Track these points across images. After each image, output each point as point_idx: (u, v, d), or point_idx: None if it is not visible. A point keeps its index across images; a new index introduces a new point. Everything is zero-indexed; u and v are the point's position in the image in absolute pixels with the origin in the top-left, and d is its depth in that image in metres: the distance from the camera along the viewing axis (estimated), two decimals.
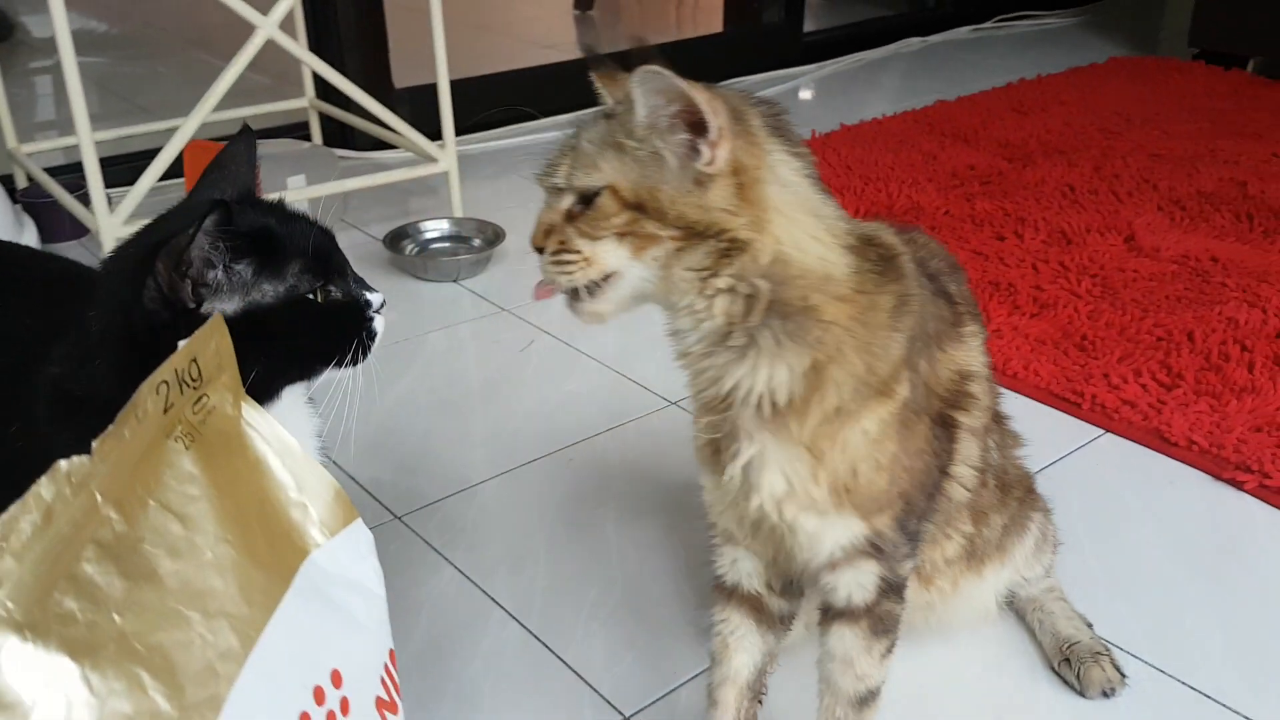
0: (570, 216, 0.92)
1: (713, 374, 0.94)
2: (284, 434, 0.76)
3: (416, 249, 2.46)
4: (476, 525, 1.60)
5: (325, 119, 2.92)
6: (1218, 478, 1.62)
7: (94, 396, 0.88)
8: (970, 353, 1.06)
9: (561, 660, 1.35)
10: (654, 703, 1.29)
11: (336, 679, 0.71)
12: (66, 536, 0.58)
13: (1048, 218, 2.48)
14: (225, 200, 0.86)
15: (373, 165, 3.02)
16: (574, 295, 0.94)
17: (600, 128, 0.91)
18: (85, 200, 2.19)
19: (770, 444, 0.94)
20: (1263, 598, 1.40)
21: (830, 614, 1.06)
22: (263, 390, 0.87)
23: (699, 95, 0.84)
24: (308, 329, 0.91)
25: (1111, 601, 1.39)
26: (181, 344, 0.66)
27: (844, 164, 2.85)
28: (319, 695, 0.69)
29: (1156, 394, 1.81)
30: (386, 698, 0.77)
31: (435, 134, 2.51)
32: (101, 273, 0.95)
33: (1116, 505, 1.59)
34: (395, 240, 2.42)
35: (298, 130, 2.98)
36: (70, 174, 2.41)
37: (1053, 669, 1.30)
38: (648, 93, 0.86)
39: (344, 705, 0.71)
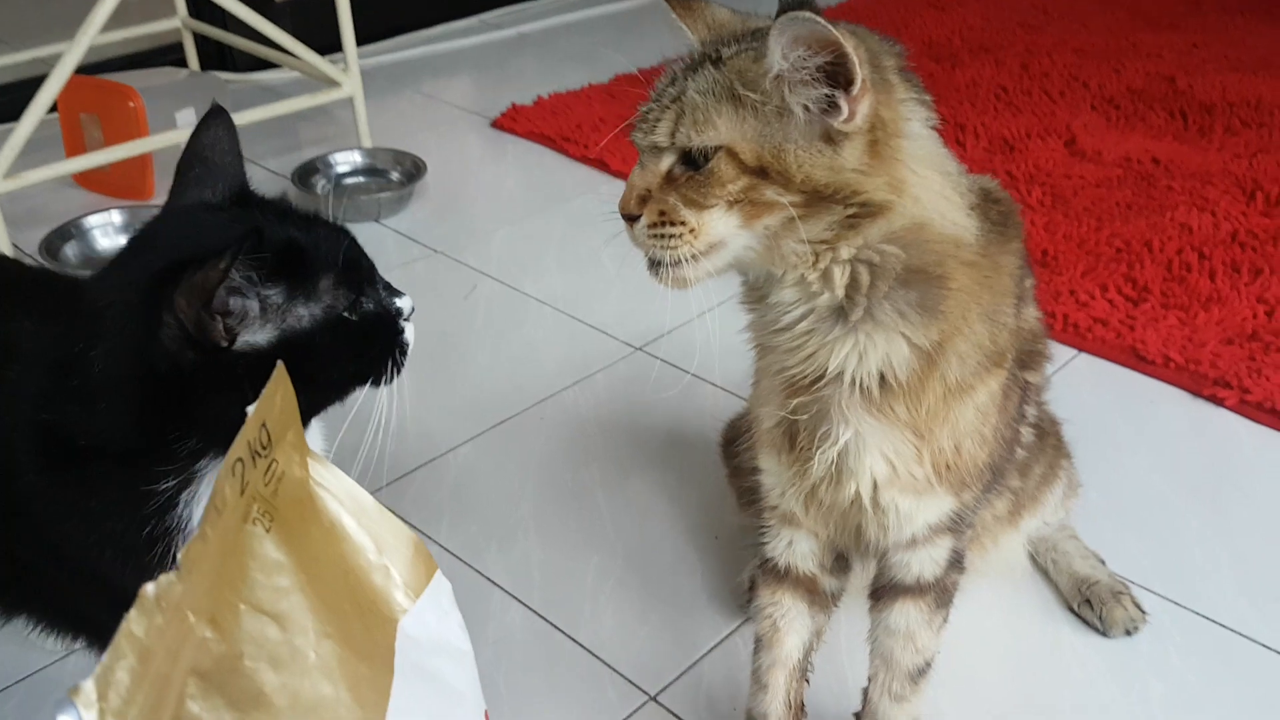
0: (671, 179, 0.80)
1: (811, 351, 0.85)
2: (355, 488, 0.66)
3: (329, 185, 2.28)
4: (455, 497, 1.50)
5: (201, 40, 2.65)
6: (1198, 394, 1.63)
7: (103, 446, 0.77)
8: (1035, 307, 1.00)
9: (574, 641, 1.28)
10: (678, 678, 1.23)
11: None
12: (166, 675, 0.48)
13: (986, 123, 2.44)
14: (258, 226, 0.74)
15: (257, 88, 2.79)
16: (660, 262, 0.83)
17: (710, 75, 0.79)
18: None
19: (870, 426, 0.86)
20: (1260, 520, 1.41)
21: (894, 591, 1.01)
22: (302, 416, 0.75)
23: (849, 44, 0.73)
24: (346, 351, 0.82)
25: (1117, 533, 1.38)
26: (250, 410, 0.55)
27: None
28: None
29: (1125, 309, 1.80)
30: None
31: (327, 48, 2.30)
32: (96, 302, 0.80)
33: (1104, 430, 1.57)
34: (305, 177, 2.24)
35: (170, 55, 2.71)
36: None
37: (1072, 610, 1.29)
38: (792, 41, 0.74)
39: None
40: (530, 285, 1.98)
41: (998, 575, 1.26)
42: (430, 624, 0.65)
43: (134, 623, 0.45)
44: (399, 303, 0.89)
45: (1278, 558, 1.35)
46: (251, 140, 2.48)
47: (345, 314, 0.81)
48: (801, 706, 1.09)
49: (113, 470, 0.78)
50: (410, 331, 0.89)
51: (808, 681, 1.10)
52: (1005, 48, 2.86)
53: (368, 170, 2.32)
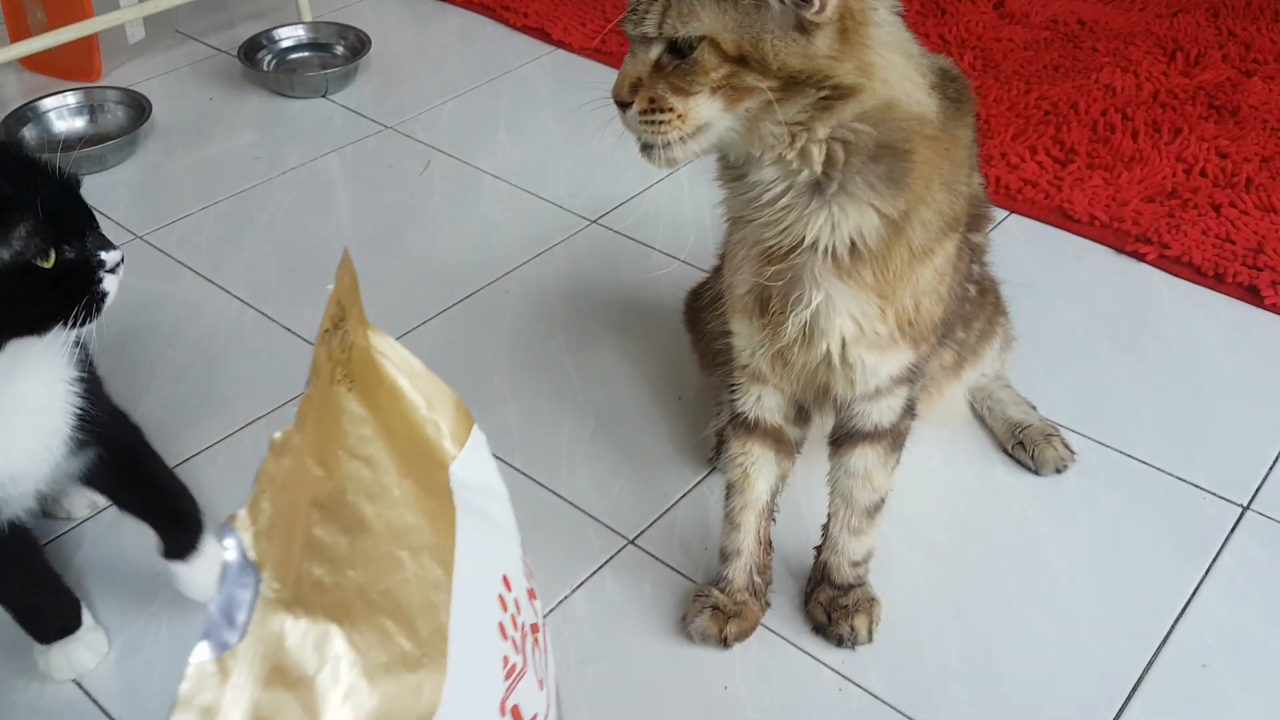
0: (659, 67, 0.87)
1: (788, 224, 0.93)
2: (407, 354, 0.74)
3: (274, 61, 2.27)
4: (432, 369, 1.57)
5: None
6: (1120, 250, 1.75)
7: None
8: (978, 173, 1.09)
9: (555, 494, 1.38)
10: (653, 523, 1.34)
11: (507, 583, 0.72)
12: (295, 505, 0.56)
13: None
14: None
15: None
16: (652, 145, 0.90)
17: None
18: None
19: (839, 290, 0.95)
20: (1176, 365, 1.55)
21: (853, 437, 1.12)
22: None
23: None
24: (34, 293, 0.88)
25: (1047, 381, 1.51)
26: (329, 288, 0.63)
27: None
28: (502, 603, 0.70)
29: (1053, 171, 1.90)
30: (529, 585, 0.79)
31: None
32: None
33: (1034, 286, 1.68)
34: (250, 53, 2.22)
35: None
36: None
37: (1006, 452, 1.42)
38: None
39: (517, 606, 0.72)
40: (483, 159, 2.02)
41: (941, 423, 1.38)
42: (473, 468, 0.74)
43: (269, 463, 0.54)
44: (104, 255, 0.94)
45: (1192, 400, 1.49)
46: (187, 17, 2.45)
47: (36, 260, 0.87)
48: (769, 542, 1.22)
49: None
50: (112, 282, 0.94)
51: (774, 520, 1.22)
52: None
53: (312, 45, 2.30)
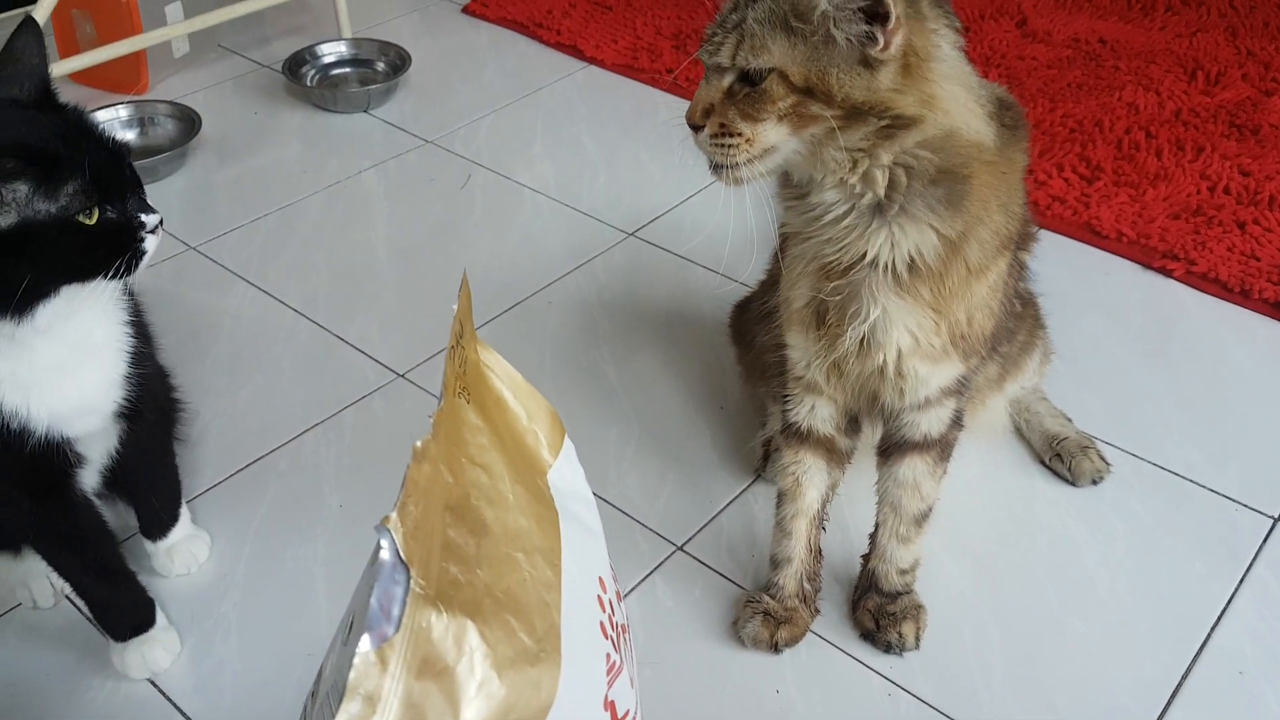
0: (730, 94, 0.93)
1: (849, 242, 0.99)
2: (510, 368, 0.79)
3: (317, 76, 2.32)
4: None
5: None
6: (1148, 266, 1.79)
7: None
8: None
9: (605, 500, 1.42)
10: (701, 530, 1.39)
11: (602, 585, 0.76)
12: (433, 508, 0.61)
13: None
14: None
15: None
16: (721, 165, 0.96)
17: (767, 6, 0.91)
18: None
19: (895, 305, 1.00)
20: (1206, 379, 1.59)
21: (903, 447, 1.16)
22: (36, 293, 0.95)
23: None
24: (77, 246, 0.96)
25: (1080, 394, 1.55)
26: (454, 306, 0.68)
27: None
28: (601, 604, 0.74)
29: (1080, 188, 1.95)
30: (617, 588, 0.83)
31: None
32: None
33: (1065, 301, 1.73)
34: (294, 68, 2.27)
35: None
36: None
37: (1043, 463, 1.47)
38: None
39: (612, 607, 0.77)
40: (521, 173, 2.07)
41: (982, 435, 1.42)
42: (567, 477, 0.79)
43: (412, 469, 0.59)
44: (144, 218, 1.01)
45: (1222, 413, 1.54)
46: (229, 33, 2.50)
47: (80, 217, 0.95)
48: (819, 550, 1.26)
49: None
50: (151, 242, 1.02)
51: (824, 529, 1.26)
52: None
53: (353, 61, 2.35)
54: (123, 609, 1.20)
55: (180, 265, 1.81)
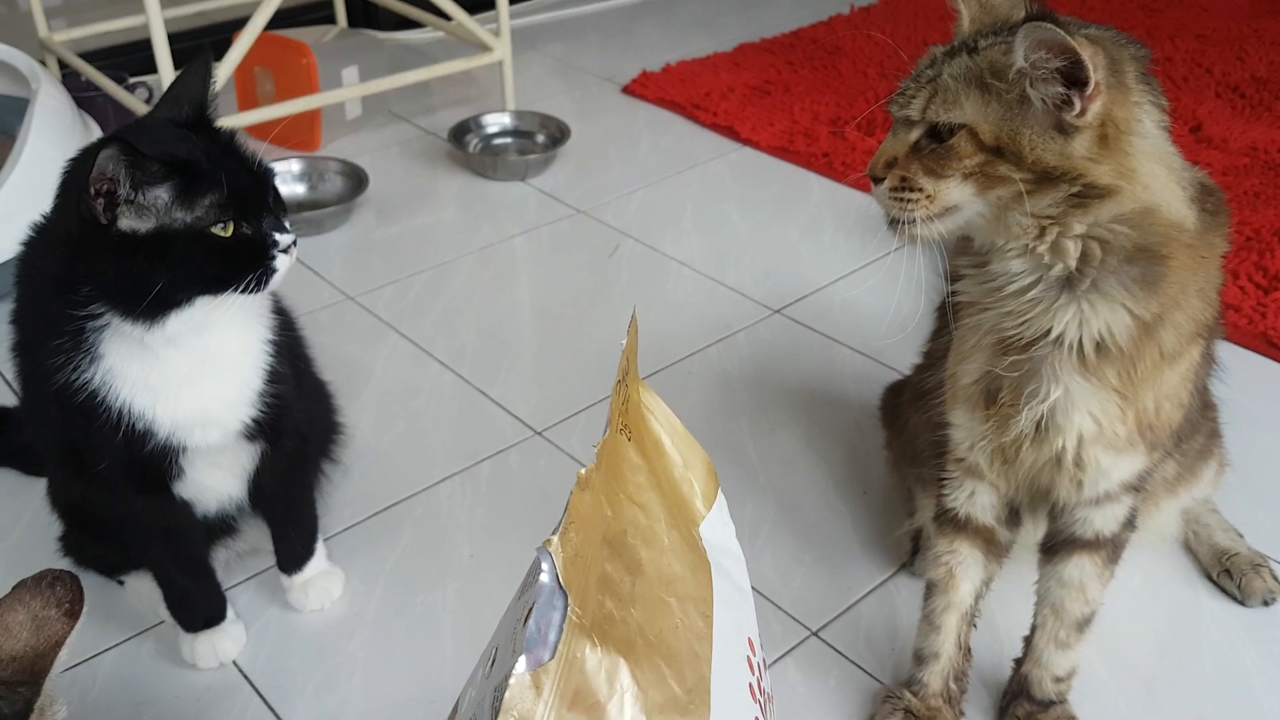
0: (916, 149, 0.90)
1: (1032, 316, 0.94)
2: (669, 412, 0.77)
3: (479, 145, 2.39)
4: None
5: None
6: None
7: (54, 281, 1.01)
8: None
9: None
10: (838, 617, 1.33)
11: (752, 647, 0.73)
12: (591, 539, 0.59)
13: None
14: (119, 138, 0.91)
15: (403, 48, 2.91)
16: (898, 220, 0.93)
17: (963, 63, 0.89)
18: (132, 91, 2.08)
19: (1079, 386, 0.95)
20: None
21: (1070, 545, 1.09)
22: (169, 300, 0.98)
23: (1085, 51, 0.82)
24: (209, 257, 0.99)
25: (1252, 511, 1.45)
26: (622, 342, 0.67)
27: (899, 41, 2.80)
28: (750, 665, 0.71)
29: (1256, 297, 1.85)
30: (764, 655, 0.79)
31: (475, 7, 2.40)
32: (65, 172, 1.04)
33: (1235, 412, 1.62)
34: (459, 135, 2.35)
35: (320, 12, 2.83)
36: (95, 62, 2.28)
37: (1211, 579, 1.36)
38: (1034, 45, 0.84)
39: (761, 671, 0.73)
40: (669, 246, 2.08)
41: (1150, 543, 1.34)
42: (719, 530, 0.76)
43: (575, 497, 0.57)
44: (277, 237, 1.03)
45: None
46: (400, 99, 2.61)
47: (215, 230, 0.98)
48: (969, 649, 1.18)
49: (55, 299, 1.02)
50: (283, 261, 1.04)
51: (974, 626, 1.19)
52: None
53: (515, 132, 2.42)
54: (199, 602, 1.24)
55: (338, 314, 1.86)
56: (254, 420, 1.11)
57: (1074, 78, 0.84)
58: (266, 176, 1.05)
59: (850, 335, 1.82)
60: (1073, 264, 0.90)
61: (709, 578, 0.69)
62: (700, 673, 0.64)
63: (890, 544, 1.42)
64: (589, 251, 2.07)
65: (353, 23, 2.82)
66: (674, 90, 2.64)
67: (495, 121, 2.41)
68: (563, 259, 2.05)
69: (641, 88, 2.67)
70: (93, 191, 0.93)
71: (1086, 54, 0.83)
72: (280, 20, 2.65)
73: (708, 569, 0.70)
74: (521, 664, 0.50)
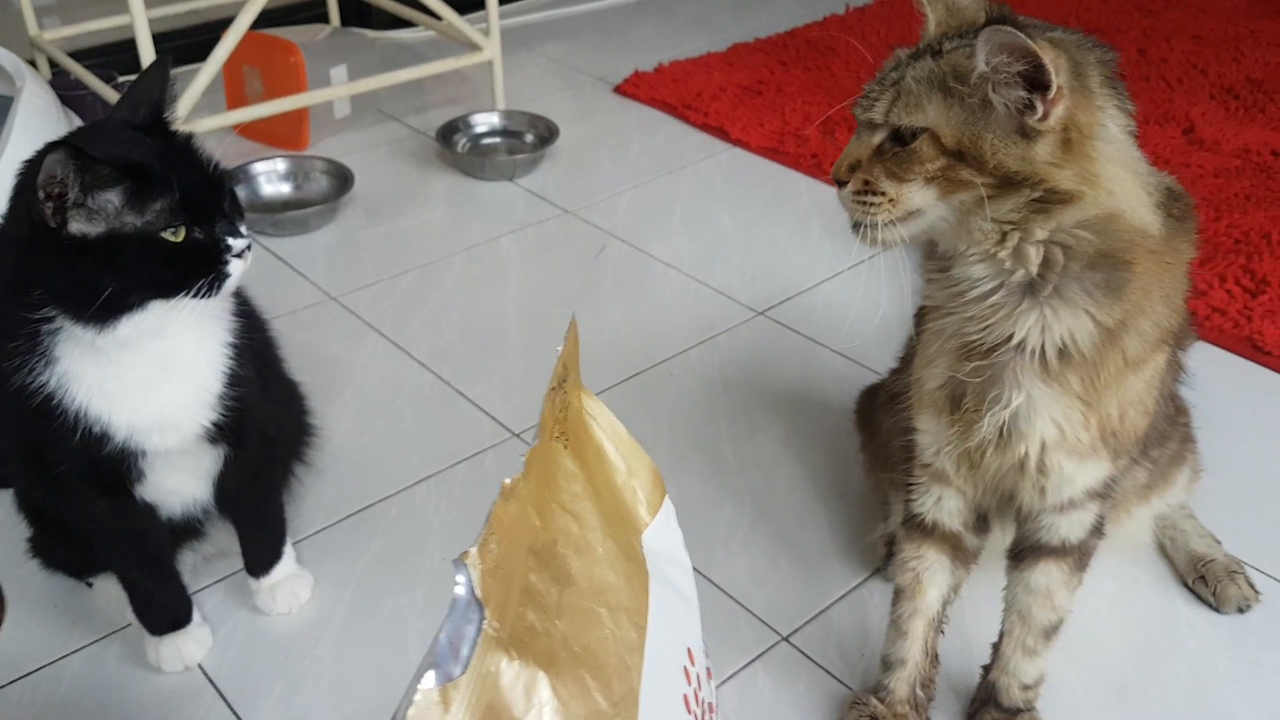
0: (880, 152, 0.90)
1: (994, 321, 0.93)
2: (613, 419, 0.77)
3: (468, 144, 2.39)
4: None
5: None
6: None
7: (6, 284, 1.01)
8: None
9: (710, 581, 1.37)
10: (809, 622, 1.32)
11: (690, 657, 0.72)
12: (516, 550, 0.58)
13: None
14: (66, 142, 0.92)
15: (394, 47, 2.91)
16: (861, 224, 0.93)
17: (927, 66, 0.88)
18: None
19: (1041, 392, 0.94)
20: None
21: (1037, 551, 1.08)
22: (118, 304, 0.98)
23: (1046, 55, 0.81)
24: (160, 262, 0.98)
25: (1231, 515, 1.44)
26: (559, 349, 0.66)
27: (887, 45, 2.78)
28: (687, 676, 0.70)
29: (1243, 300, 1.83)
30: (707, 664, 0.78)
31: (465, 6, 2.40)
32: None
33: (1219, 417, 1.62)
34: (447, 135, 2.34)
35: (312, 11, 2.83)
36: (86, 61, 2.28)
37: (1186, 585, 1.35)
38: (995, 49, 0.83)
39: (699, 682, 0.72)
40: (656, 247, 2.07)
41: (1122, 549, 1.33)
42: (664, 538, 0.75)
43: (499, 507, 0.56)
44: (231, 242, 1.03)
45: None
46: (390, 99, 2.60)
47: (166, 234, 0.98)
48: (936, 655, 1.18)
49: (8, 301, 1.01)
50: (236, 266, 1.03)
51: (942, 632, 1.18)
52: (1122, 32, 2.86)
53: (504, 132, 2.42)
54: (164, 605, 1.24)
55: (319, 314, 1.86)
56: (214, 424, 1.10)
57: (1036, 81, 0.83)
58: (222, 180, 1.04)
59: (833, 338, 1.81)
60: (1034, 269, 0.89)
61: (646, 587, 0.69)
62: (629, 684, 0.63)
63: (864, 548, 1.41)
64: (576, 252, 2.06)
65: (346, 22, 2.82)
66: (665, 90, 2.63)
67: (484, 121, 2.41)
68: (549, 259, 2.04)
69: (633, 88, 2.66)
70: (41, 195, 0.93)
71: (1048, 57, 0.82)
72: (275, 19, 2.66)
73: (645, 578, 0.69)
74: (429, 679, 0.50)
